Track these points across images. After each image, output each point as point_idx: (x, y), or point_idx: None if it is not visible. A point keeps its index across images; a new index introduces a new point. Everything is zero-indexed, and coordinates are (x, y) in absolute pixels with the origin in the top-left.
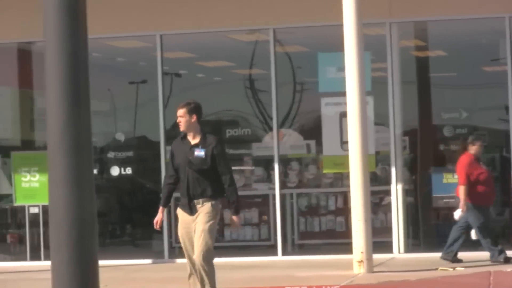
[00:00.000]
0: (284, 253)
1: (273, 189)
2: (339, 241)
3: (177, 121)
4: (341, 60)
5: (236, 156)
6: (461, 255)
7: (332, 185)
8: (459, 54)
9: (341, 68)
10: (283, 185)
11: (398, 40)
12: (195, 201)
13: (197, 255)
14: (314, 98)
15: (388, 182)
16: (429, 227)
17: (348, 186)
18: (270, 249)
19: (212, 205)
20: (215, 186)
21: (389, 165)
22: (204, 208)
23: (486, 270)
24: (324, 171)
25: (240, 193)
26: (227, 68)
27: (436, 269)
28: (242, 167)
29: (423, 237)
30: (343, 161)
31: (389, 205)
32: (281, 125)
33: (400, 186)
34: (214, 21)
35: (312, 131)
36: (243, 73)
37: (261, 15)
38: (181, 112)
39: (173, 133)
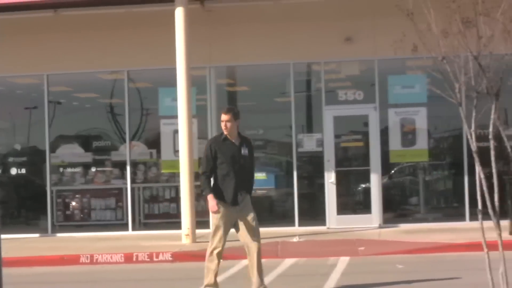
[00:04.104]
0: (133, 229)
1: (126, 184)
2: (172, 220)
3: (223, 125)
4: (175, 93)
5: (99, 160)
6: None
7: (168, 181)
8: (258, 89)
9: (175, 99)
10: (133, 181)
11: (215, 79)
12: (239, 193)
13: (254, 238)
14: (155, 120)
15: None
16: None
17: (179, 181)
18: (123, 226)
19: (250, 196)
20: (249, 179)
21: None
22: (247, 199)
23: (276, 241)
24: (162, 171)
25: (101, 187)
26: (95, 98)
27: (239, 240)
28: (104, 168)
29: None
30: (176, 164)
31: None
32: (132, 138)
33: None
34: (85, 65)
35: (154, 142)
36: (105, 102)
37: (119, 61)
38: (227, 117)
39: (56, 144)
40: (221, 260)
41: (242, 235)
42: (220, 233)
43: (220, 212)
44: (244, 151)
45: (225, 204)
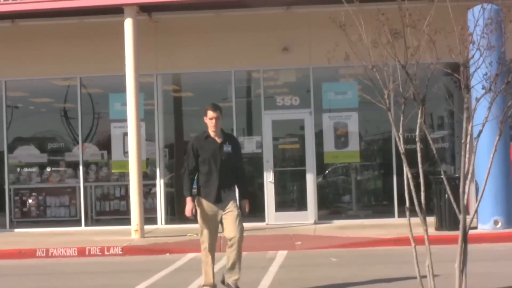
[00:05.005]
0: (86, 225)
1: (79, 183)
2: (122, 217)
3: (212, 122)
4: (125, 98)
5: (54, 160)
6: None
7: (118, 180)
8: (201, 94)
9: (125, 103)
10: (85, 180)
11: (162, 85)
12: (222, 190)
13: (236, 232)
14: (106, 123)
15: (154, 178)
16: (181, 207)
17: (129, 181)
18: (77, 222)
19: (235, 193)
20: (234, 177)
21: (155, 167)
22: (231, 196)
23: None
24: (113, 171)
25: (56, 185)
26: (50, 103)
27: (185, 235)
28: (58, 168)
29: (178, 214)
30: (125, 164)
31: (155, 193)
32: (84, 140)
33: (162, 181)
34: (41, 72)
35: (105, 144)
36: (60, 106)
37: (72, 68)
38: (216, 114)
39: (14, 145)
40: (169, 254)
41: (226, 229)
42: (205, 232)
43: (198, 213)
44: (227, 148)
45: (209, 202)
